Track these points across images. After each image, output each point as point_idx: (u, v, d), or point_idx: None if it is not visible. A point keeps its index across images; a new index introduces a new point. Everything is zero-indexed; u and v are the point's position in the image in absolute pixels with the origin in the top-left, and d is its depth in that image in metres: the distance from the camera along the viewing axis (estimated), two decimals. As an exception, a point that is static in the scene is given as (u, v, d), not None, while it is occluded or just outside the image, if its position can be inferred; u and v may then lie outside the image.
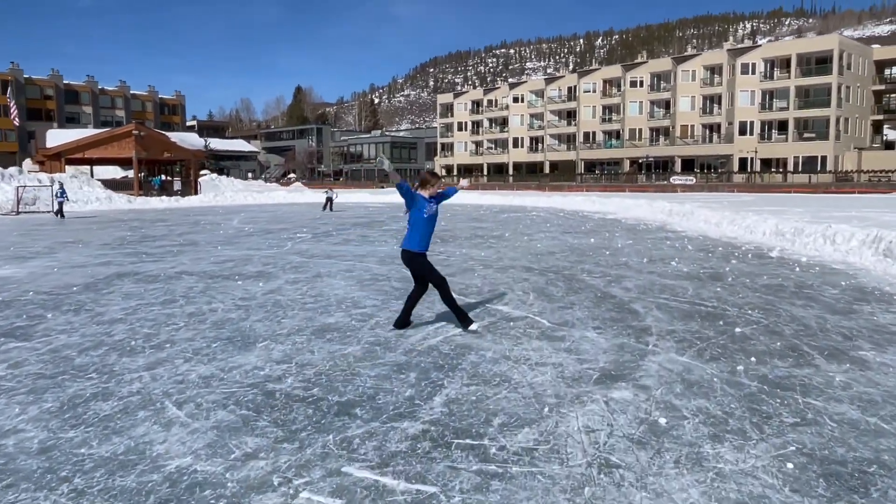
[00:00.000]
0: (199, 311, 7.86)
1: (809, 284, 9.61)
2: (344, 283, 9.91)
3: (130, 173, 46.63)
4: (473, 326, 6.66)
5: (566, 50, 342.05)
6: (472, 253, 13.77)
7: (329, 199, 33.15)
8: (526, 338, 6.49)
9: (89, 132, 51.88)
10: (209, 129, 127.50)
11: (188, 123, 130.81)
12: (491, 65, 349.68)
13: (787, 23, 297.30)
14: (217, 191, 61.56)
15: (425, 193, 6.59)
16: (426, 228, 6.62)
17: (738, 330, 6.77)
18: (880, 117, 65.37)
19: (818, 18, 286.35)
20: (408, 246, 6.65)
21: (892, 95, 64.26)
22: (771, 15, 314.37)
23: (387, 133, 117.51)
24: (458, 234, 18.63)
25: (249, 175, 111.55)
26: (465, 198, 44.08)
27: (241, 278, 10.41)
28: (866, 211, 26.76)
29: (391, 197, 47.59)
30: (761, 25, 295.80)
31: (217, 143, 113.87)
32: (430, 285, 6.81)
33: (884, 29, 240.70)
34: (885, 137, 66.91)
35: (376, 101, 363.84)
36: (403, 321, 6.85)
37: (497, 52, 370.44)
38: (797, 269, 11.21)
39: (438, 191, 6.75)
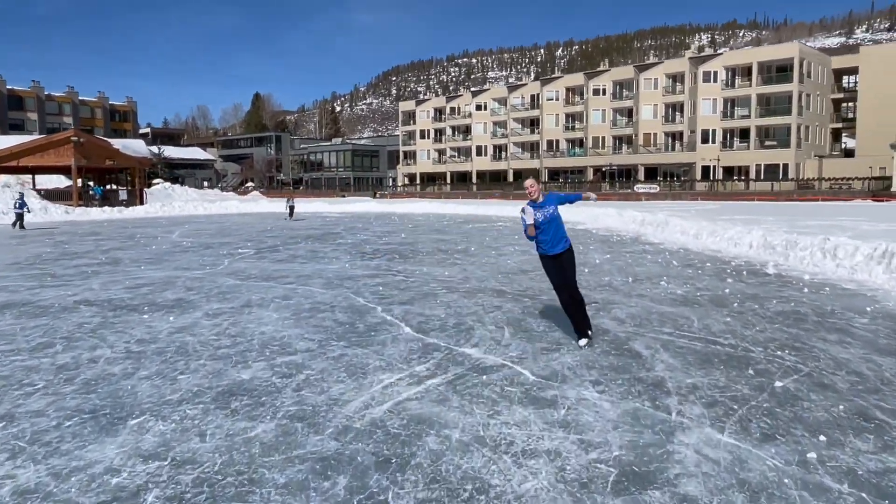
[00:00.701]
0: (74, 363, 5.97)
1: (830, 311, 8.15)
2: (276, 315, 8.11)
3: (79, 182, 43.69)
4: (583, 342, 6.50)
5: (527, 60, 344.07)
6: (434, 272, 12.07)
7: (291, 208, 32.92)
8: (505, 402, 4.81)
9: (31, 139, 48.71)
10: (164, 136, 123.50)
11: (142, 131, 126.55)
12: (453, 74, 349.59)
13: (741, 34, 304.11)
14: (169, 200, 58.86)
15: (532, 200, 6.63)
16: (545, 231, 6.70)
17: (777, 384, 5.20)
18: (839, 125, 65.84)
19: (771, 30, 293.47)
20: (543, 251, 6.87)
21: (850, 104, 64.83)
22: (726, 27, 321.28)
23: (348, 141, 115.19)
24: (420, 247, 16.92)
25: (205, 184, 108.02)
26: (428, 207, 42.44)
27: (151, 310, 8.51)
28: (840, 219, 25.93)
29: (351, 206, 45.68)
30: (717, 37, 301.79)
31: (172, 152, 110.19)
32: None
33: (833, 41, 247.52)
34: (843, 145, 67.50)
35: (338, 109, 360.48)
36: (580, 330, 6.63)
37: (459, 61, 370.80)
38: (805, 289, 9.78)
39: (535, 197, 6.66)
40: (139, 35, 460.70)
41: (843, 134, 67.75)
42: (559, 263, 6.75)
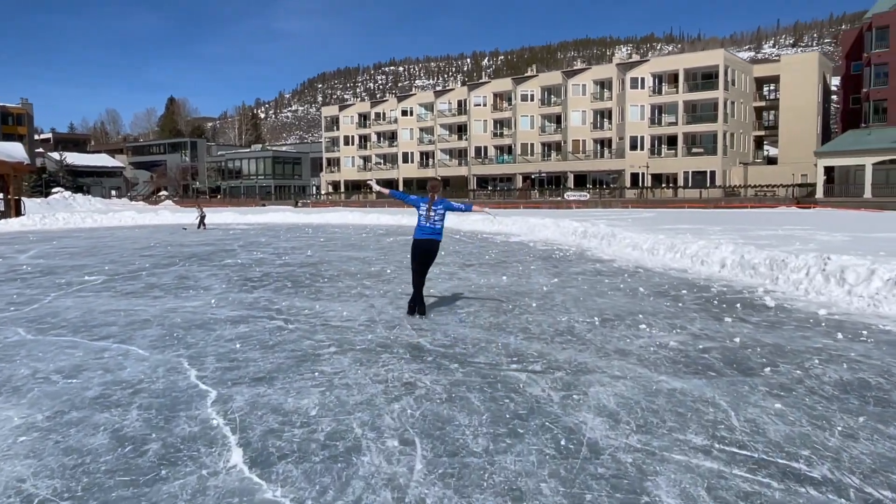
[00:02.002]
0: None
1: (915, 381, 5.34)
2: (13, 423, 4.62)
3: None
4: (417, 318, 7.94)
5: (454, 69, 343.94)
6: (329, 310, 8.75)
7: (202, 218, 30.60)
8: None
9: None
10: (68, 141, 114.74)
11: (42, 136, 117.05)
12: (380, 81, 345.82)
13: (658, 48, 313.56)
14: (70, 210, 52.85)
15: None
16: (423, 224, 7.97)
17: None
18: (761, 133, 66.29)
19: (686, 44, 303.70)
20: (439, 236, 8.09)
21: (771, 112, 65.39)
22: (644, 40, 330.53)
23: (269, 147, 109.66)
24: (324, 270, 13.53)
25: (113, 193, 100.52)
26: (349, 217, 38.93)
27: None
28: (788, 228, 24.17)
29: (264, 216, 41.64)
30: (635, 52, 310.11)
31: (76, 158, 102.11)
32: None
33: (744, 55, 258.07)
34: (766, 153, 68.09)
35: (263, 116, 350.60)
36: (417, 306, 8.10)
37: (386, 69, 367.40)
38: (839, 335, 7.02)
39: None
40: (44, 37, 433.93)
41: (765, 142, 68.36)
42: (422, 250, 7.95)
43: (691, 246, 14.29)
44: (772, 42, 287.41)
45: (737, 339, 6.83)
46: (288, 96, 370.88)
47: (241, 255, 17.05)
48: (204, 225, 30.68)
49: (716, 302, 9.18)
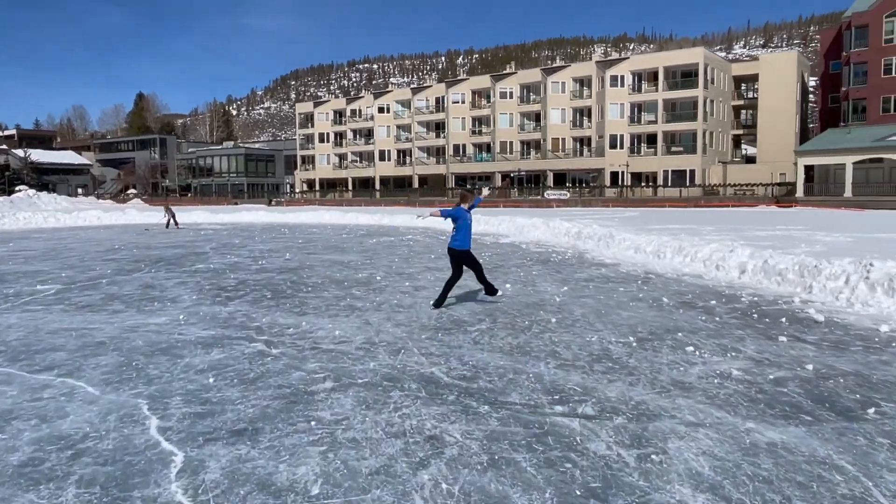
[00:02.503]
0: None
1: None
2: None
3: None
4: (500, 293, 9.19)
5: (429, 67, 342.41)
6: (318, 328, 7.51)
7: (171, 216, 29.24)
8: None
9: None
10: (33, 138, 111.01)
11: (6, 132, 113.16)
12: (354, 79, 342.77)
13: (631, 47, 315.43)
14: (35, 209, 50.58)
15: (465, 206, 8.87)
16: (469, 232, 8.83)
17: None
18: (740, 132, 66.03)
19: (658, 44, 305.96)
20: (460, 246, 8.74)
21: (749, 111, 65.19)
22: (618, 39, 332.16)
23: (241, 145, 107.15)
24: (306, 277, 12.25)
25: (80, 191, 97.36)
26: (326, 217, 37.51)
27: None
28: (781, 228, 23.45)
29: (237, 216, 40.00)
30: (609, 49, 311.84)
31: (41, 155, 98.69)
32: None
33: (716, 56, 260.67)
34: (745, 152, 67.95)
35: (234, 113, 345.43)
36: (441, 301, 8.75)
37: (360, 66, 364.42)
38: (922, 359, 6.00)
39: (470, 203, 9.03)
40: (6, 31, 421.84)
41: (743, 141, 68.23)
42: (466, 259, 8.84)
43: (702, 249, 13.30)
44: (742, 42, 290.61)
45: (809, 367, 5.76)
46: (260, 93, 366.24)
47: (213, 259, 15.67)
48: (177, 225, 29.31)
49: (755, 315, 8.14)
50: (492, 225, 25.82)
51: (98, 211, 40.32)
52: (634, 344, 6.69)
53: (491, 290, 8.94)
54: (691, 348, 6.44)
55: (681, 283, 10.98)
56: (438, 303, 8.74)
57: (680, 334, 7.08)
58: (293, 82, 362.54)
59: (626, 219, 31.79)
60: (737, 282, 11.08)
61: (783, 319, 7.88)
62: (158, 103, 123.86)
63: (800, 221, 27.51)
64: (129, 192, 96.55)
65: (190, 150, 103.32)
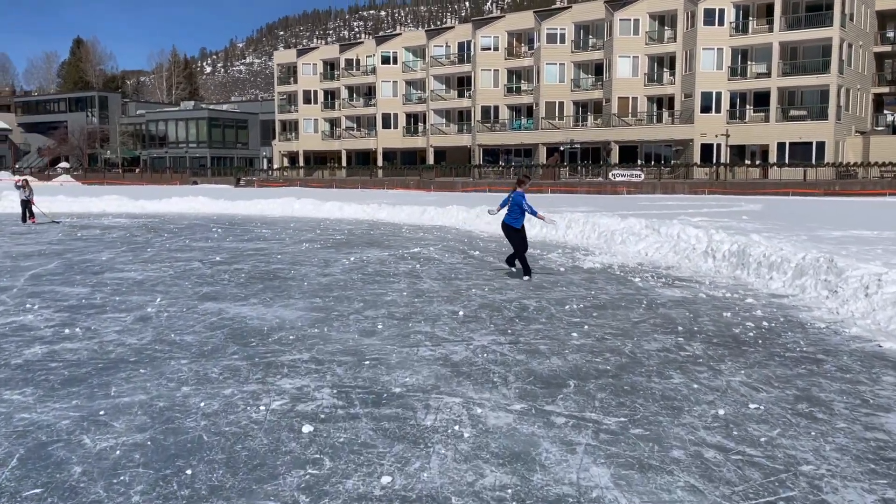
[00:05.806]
0: None
1: None
2: None
3: None
4: (526, 278, 11.49)
5: (450, 13, 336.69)
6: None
7: (25, 202, 23.64)
8: None
9: None
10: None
11: None
12: (357, 28, 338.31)
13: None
14: None
15: (521, 189, 11.71)
16: (520, 211, 11.60)
17: None
18: (884, 90, 59.07)
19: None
20: (510, 222, 11.67)
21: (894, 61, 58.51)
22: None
23: (204, 106, 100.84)
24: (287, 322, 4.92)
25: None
26: (294, 206, 30.51)
27: None
28: None
29: (171, 203, 33.19)
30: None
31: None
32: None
33: None
34: (888, 119, 60.51)
35: (208, 69, 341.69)
36: (529, 269, 11.73)
37: (364, 13, 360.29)
38: None
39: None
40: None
41: (886, 104, 60.86)
42: (516, 234, 11.77)
43: None
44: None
45: None
46: (241, 46, 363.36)
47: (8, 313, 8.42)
48: (32, 217, 23.61)
49: None
50: (555, 229, 18.31)
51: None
52: None
53: (527, 269, 11.63)
54: None
55: None
56: (527, 271, 11.62)
57: None
58: (282, 32, 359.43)
59: (755, 215, 24.73)
60: None
61: None
62: (101, 52, 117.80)
63: None
64: (58, 166, 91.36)
65: (139, 111, 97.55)
